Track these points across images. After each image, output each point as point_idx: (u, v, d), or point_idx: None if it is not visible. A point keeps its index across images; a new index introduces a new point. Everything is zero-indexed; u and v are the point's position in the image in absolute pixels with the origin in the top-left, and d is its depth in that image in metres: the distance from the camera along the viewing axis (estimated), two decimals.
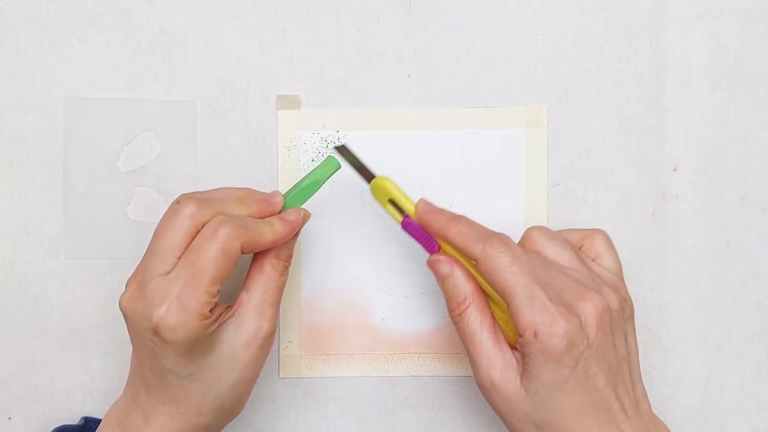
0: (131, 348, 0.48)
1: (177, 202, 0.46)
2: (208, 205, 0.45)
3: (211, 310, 0.44)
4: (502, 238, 0.45)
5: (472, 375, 0.54)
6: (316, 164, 0.54)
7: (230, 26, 0.54)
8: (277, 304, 0.47)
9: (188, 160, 0.55)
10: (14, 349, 0.55)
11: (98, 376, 0.55)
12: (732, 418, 0.55)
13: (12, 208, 0.54)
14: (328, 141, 0.54)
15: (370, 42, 0.54)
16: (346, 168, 0.50)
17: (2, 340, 0.55)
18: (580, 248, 0.49)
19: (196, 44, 0.54)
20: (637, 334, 0.48)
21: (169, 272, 0.44)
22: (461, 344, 0.54)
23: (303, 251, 0.54)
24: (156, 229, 0.46)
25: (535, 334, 0.43)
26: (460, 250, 0.46)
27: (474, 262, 0.46)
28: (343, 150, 0.50)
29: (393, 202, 0.49)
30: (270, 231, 0.46)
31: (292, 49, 0.54)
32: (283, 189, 0.54)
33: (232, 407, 0.47)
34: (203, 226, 0.45)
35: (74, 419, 0.54)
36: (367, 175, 0.49)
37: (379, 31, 0.54)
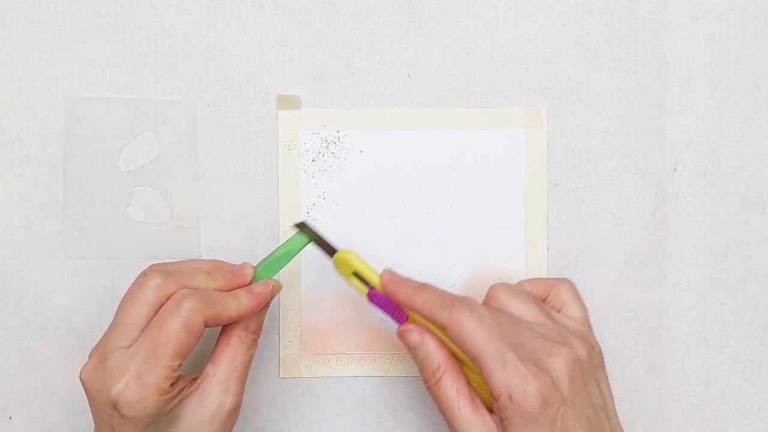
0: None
1: (144, 274, 0.46)
2: (173, 277, 0.45)
3: (171, 385, 0.44)
4: (467, 303, 0.45)
5: None
6: (315, 164, 0.54)
7: (230, 26, 0.54)
8: (243, 378, 0.46)
9: (188, 160, 0.55)
10: (14, 349, 0.55)
11: None
12: (732, 418, 0.55)
13: (12, 208, 0.54)
14: (328, 141, 0.54)
15: (370, 42, 0.54)
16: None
17: (2, 340, 0.55)
18: (545, 299, 0.49)
19: (196, 44, 0.54)
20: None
21: (130, 346, 0.44)
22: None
23: (303, 251, 0.54)
24: (121, 301, 0.46)
25: (510, 398, 0.43)
26: (427, 318, 0.46)
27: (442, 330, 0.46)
28: (303, 227, 0.50)
29: (357, 275, 0.48)
30: (235, 304, 0.46)
31: (292, 49, 0.54)
32: (283, 187, 0.54)
33: None
34: (168, 299, 0.45)
35: (74, 419, 0.54)
36: (329, 249, 0.49)
37: (379, 31, 0.54)
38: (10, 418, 0.55)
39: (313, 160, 0.54)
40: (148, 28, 0.54)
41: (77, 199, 0.54)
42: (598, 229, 0.54)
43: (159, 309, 0.44)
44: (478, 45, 0.55)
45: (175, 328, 0.43)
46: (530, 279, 0.51)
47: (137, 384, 0.43)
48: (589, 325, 0.49)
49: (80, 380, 0.45)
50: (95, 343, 0.55)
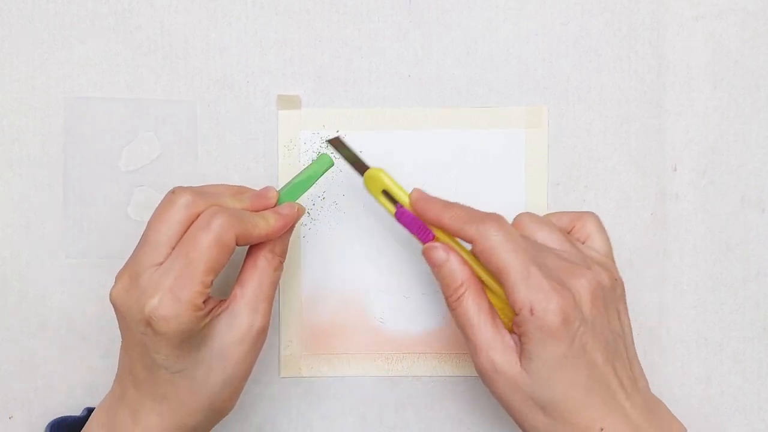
0: (120, 346, 0.47)
1: (172, 192, 0.45)
2: (202, 196, 0.45)
3: (204, 302, 0.44)
4: (496, 219, 0.46)
5: (472, 375, 0.54)
6: None
7: (230, 26, 0.54)
8: (270, 299, 0.47)
9: (188, 160, 0.55)
10: (14, 349, 0.55)
11: (98, 375, 0.55)
12: (732, 418, 0.55)
13: (12, 208, 0.54)
14: (324, 137, 0.54)
15: (370, 42, 0.54)
16: (341, 164, 0.50)
17: (2, 340, 0.55)
18: (570, 231, 0.50)
19: (196, 44, 0.54)
20: (637, 334, 0.48)
21: (162, 263, 0.44)
22: (461, 344, 0.54)
23: (303, 251, 0.54)
24: (149, 220, 0.46)
25: (531, 311, 0.43)
26: (455, 234, 0.47)
27: (469, 247, 0.47)
28: (336, 142, 0.50)
29: (386, 194, 0.49)
30: (264, 223, 0.46)
31: (292, 49, 0.54)
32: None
33: (222, 406, 0.47)
34: (197, 217, 0.45)
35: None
36: (361, 167, 0.50)
37: (379, 31, 0.54)
38: (10, 418, 0.55)
39: (313, 160, 0.54)
40: (148, 28, 0.54)
41: (77, 199, 0.54)
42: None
43: (188, 227, 0.44)
44: (478, 45, 0.55)
45: (207, 244, 0.43)
46: (555, 212, 0.51)
47: (171, 299, 0.42)
48: (612, 259, 0.49)
49: (111, 301, 0.45)
50: (95, 342, 0.55)
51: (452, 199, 0.52)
